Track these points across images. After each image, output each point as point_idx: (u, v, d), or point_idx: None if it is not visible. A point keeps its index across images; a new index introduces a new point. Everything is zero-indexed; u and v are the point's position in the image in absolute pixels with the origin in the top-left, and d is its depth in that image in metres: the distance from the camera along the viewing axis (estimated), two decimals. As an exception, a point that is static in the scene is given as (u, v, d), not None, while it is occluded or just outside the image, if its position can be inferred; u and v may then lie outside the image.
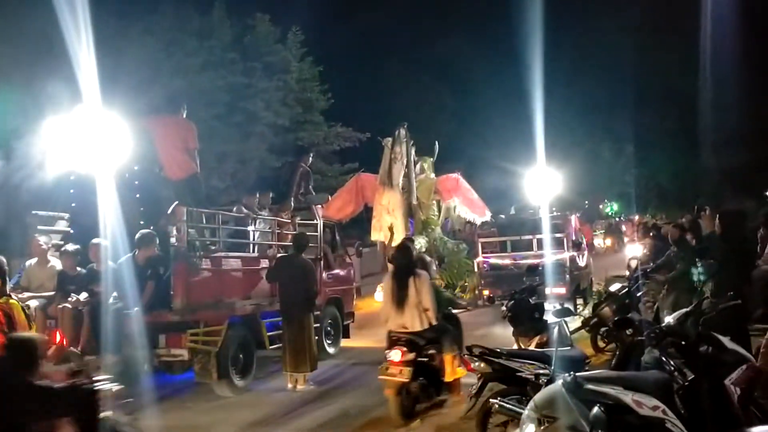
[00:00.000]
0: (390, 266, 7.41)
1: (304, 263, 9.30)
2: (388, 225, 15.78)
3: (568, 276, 14.23)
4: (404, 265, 6.93)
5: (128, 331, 7.60)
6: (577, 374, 3.83)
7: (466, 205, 17.90)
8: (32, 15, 11.31)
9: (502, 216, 18.80)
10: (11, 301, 4.48)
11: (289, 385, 8.95)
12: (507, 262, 15.00)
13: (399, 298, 6.74)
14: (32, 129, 8.01)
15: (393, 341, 6.79)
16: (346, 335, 12.01)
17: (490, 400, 5.10)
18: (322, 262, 11.20)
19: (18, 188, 10.40)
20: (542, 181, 18.46)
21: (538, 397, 3.82)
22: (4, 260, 4.76)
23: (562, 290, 13.60)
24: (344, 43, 29.19)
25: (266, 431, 7.27)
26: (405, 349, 6.58)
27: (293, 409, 8.04)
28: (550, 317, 7.28)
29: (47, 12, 7.99)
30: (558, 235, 14.92)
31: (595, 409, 3.52)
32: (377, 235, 15.98)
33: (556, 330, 4.61)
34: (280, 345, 9.29)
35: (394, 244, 16.57)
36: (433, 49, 34.27)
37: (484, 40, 35.21)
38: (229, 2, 22.92)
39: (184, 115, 9.74)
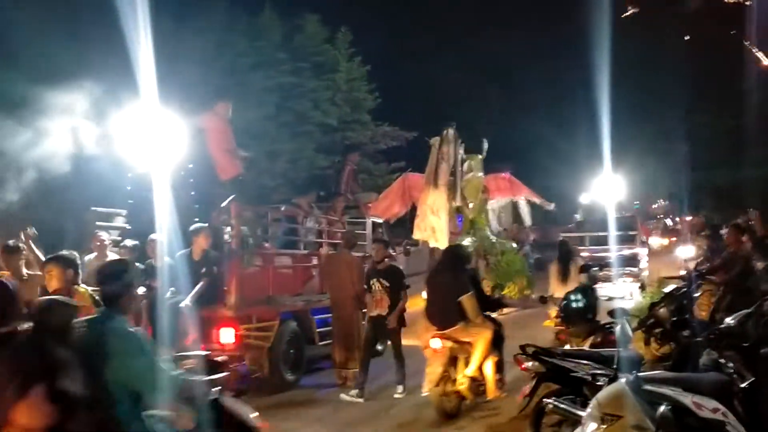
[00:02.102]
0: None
1: (353, 261, 9.38)
2: (431, 226, 15.75)
3: (639, 268, 17.44)
4: (566, 253, 9.54)
5: (183, 325, 7.77)
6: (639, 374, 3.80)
7: (533, 195, 18.56)
8: (94, 16, 11.66)
9: (577, 216, 21.34)
10: (81, 288, 5.03)
11: (338, 381, 9.03)
12: (585, 255, 16.51)
13: (563, 275, 9.20)
14: (92, 127, 8.21)
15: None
16: (394, 333, 12.03)
17: (544, 399, 5.07)
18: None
19: (77, 185, 10.74)
20: (608, 184, 21.85)
21: (602, 395, 3.79)
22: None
23: (635, 278, 16.89)
24: (392, 42, 29.23)
25: (316, 426, 7.36)
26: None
27: (343, 403, 8.13)
28: (606, 317, 7.39)
29: (109, 13, 8.20)
30: (631, 232, 18.53)
31: (662, 408, 3.48)
32: (419, 234, 15.95)
33: (618, 329, 4.55)
34: (330, 341, 9.39)
35: (435, 244, 16.64)
36: (482, 47, 34.04)
37: (533, 39, 34.86)
38: (278, 3, 23.15)
39: (230, 114, 9.84)
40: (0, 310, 3.28)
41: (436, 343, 7.07)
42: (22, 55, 12.00)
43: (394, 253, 13.07)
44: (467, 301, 7.17)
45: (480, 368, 7.18)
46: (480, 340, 7.13)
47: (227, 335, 8.19)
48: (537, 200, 18.65)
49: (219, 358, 4.72)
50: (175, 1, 16.15)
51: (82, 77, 8.18)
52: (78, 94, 8.04)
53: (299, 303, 9.53)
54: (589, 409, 3.73)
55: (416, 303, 14.58)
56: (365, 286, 8.79)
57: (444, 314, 7.22)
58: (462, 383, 7.08)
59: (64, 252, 5.15)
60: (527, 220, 19.20)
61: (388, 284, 8.62)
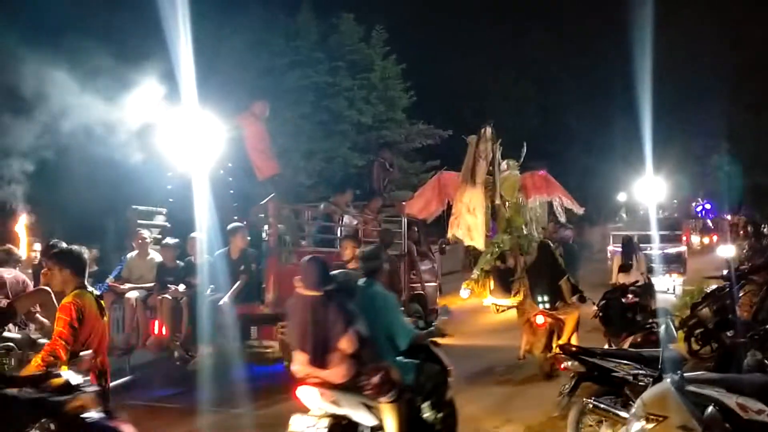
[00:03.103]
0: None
1: (388, 259, 9.37)
2: (467, 224, 15.64)
3: (684, 266, 18.60)
4: (629, 247, 10.59)
5: (222, 322, 7.87)
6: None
7: (566, 197, 18.39)
8: (135, 18, 11.86)
9: (623, 215, 22.69)
10: (85, 293, 4.32)
11: (374, 379, 9.06)
12: None
13: (626, 266, 10.07)
14: (133, 127, 8.34)
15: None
16: (430, 332, 12.00)
17: (584, 399, 5.04)
18: (406, 259, 11.26)
19: (118, 184, 10.93)
20: (649, 184, 23.57)
21: (646, 395, 3.75)
22: (86, 252, 4.69)
23: (680, 275, 17.71)
24: (427, 40, 29.11)
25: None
26: (632, 295, 9.42)
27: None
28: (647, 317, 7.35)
29: (149, 15, 8.34)
30: (677, 231, 20.39)
31: (710, 409, 3.44)
32: (453, 232, 15.86)
33: (663, 329, 4.49)
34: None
35: (470, 242, 16.52)
36: (519, 44, 33.69)
37: (571, 36, 34.46)
38: (315, 2, 23.22)
39: (267, 114, 9.90)
40: (325, 277, 4.89)
41: (540, 319, 8.89)
42: (57, 53, 12.22)
43: (430, 253, 13.03)
44: (565, 282, 9.15)
45: (569, 339, 8.62)
46: (571, 317, 8.93)
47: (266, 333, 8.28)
48: (569, 203, 18.36)
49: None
50: (214, 2, 16.32)
51: (123, 77, 8.30)
52: (118, 93, 8.17)
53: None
54: (633, 409, 3.71)
55: (453, 302, 14.59)
56: None
57: (549, 296, 9.06)
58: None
59: (72, 247, 4.52)
60: (563, 218, 18.98)
61: None
